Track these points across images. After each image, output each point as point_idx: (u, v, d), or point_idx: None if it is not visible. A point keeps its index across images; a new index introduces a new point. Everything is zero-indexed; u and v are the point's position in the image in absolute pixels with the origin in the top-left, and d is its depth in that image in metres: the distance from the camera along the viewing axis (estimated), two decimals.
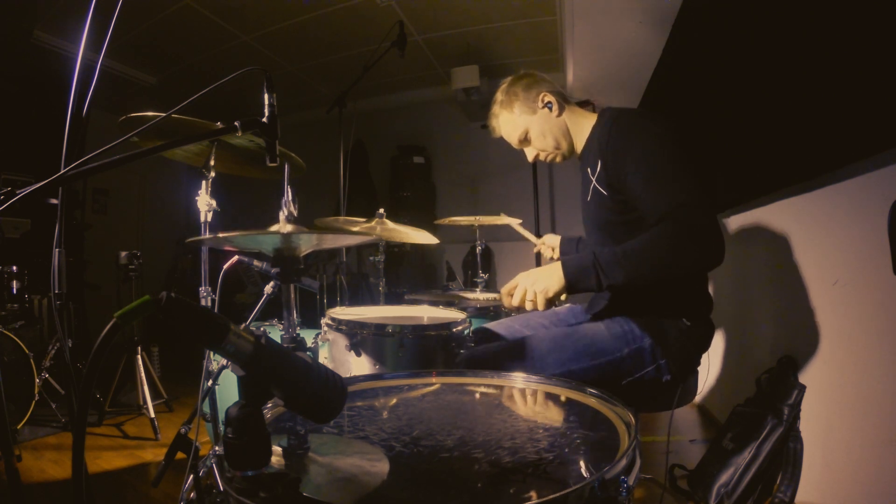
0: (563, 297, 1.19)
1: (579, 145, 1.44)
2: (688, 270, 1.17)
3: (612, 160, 1.24)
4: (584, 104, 3.40)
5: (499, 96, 1.43)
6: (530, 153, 1.45)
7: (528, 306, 1.19)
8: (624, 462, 0.62)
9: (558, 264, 1.19)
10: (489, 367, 1.28)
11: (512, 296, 1.22)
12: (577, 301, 1.64)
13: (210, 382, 1.41)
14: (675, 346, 1.26)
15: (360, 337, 1.38)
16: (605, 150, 1.26)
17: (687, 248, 1.09)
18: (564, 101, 1.40)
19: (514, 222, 2.06)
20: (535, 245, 2.00)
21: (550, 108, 1.38)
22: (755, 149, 1.94)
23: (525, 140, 1.43)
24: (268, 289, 1.33)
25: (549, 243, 1.94)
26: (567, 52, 3.32)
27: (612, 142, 1.24)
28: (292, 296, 0.89)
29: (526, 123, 1.40)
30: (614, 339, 1.27)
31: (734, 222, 2.34)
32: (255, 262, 1.04)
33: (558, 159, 1.45)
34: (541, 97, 1.37)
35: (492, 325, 1.59)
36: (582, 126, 1.41)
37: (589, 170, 1.35)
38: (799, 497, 1.56)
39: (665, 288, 1.27)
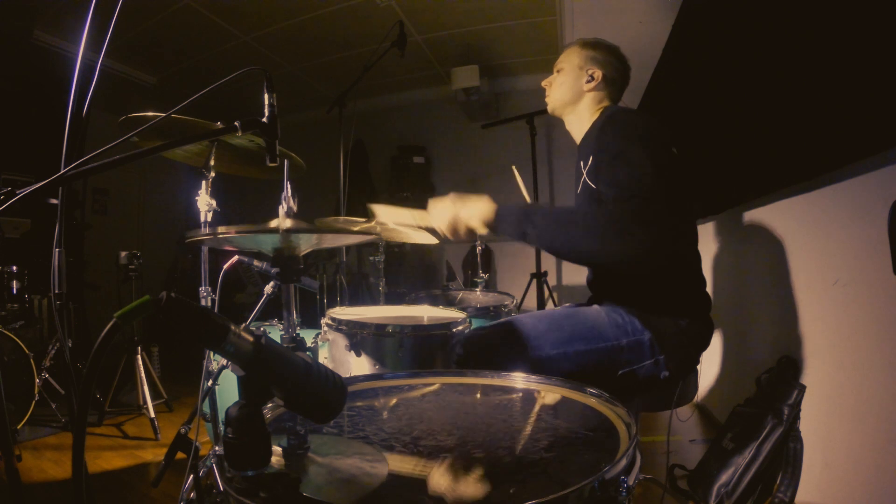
0: (481, 231, 1.20)
1: (577, 133, 1.49)
2: (598, 261, 1.16)
3: (600, 156, 1.26)
4: None
5: (593, 39, 1.49)
6: (547, 80, 1.54)
7: (446, 230, 1.23)
8: (624, 462, 0.62)
9: (490, 202, 1.20)
10: (487, 347, 1.28)
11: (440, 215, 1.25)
12: (577, 298, 1.65)
13: (210, 382, 1.41)
14: (673, 344, 1.26)
15: (360, 337, 1.38)
16: (596, 146, 1.29)
17: (607, 236, 1.07)
18: (605, 91, 1.45)
19: (521, 181, 2.06)
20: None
21: (588, 81, 1.44)
22: (756, 148, 1.94)
23: (557, 70, 1.51)
24: (268, 289, 1.33)
25: None
26: None
27: (602, 139, 1.27)
28: (292, 296, 0.89)
29: (569, 67, 1.47)
30: (614, 328, 1.27)
31: (734, 222, 2.34)
32: (255, 262, 1.04)
33: (548, 106, 1.53)
34: (594, 70, 1.44)
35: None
36: (589, 115, 1.45)
37: (582, 163, 1.38)
38: (799, 497, 1.56)
39: (663, 286, 1.28)
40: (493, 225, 1.19)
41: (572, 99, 1.46)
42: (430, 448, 0.74)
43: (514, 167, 2.06)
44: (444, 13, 3.60)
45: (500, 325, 1.36)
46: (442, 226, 1.25)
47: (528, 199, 2.02)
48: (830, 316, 1.56)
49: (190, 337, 0.53)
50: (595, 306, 1.38)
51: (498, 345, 1.27)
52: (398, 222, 1.34)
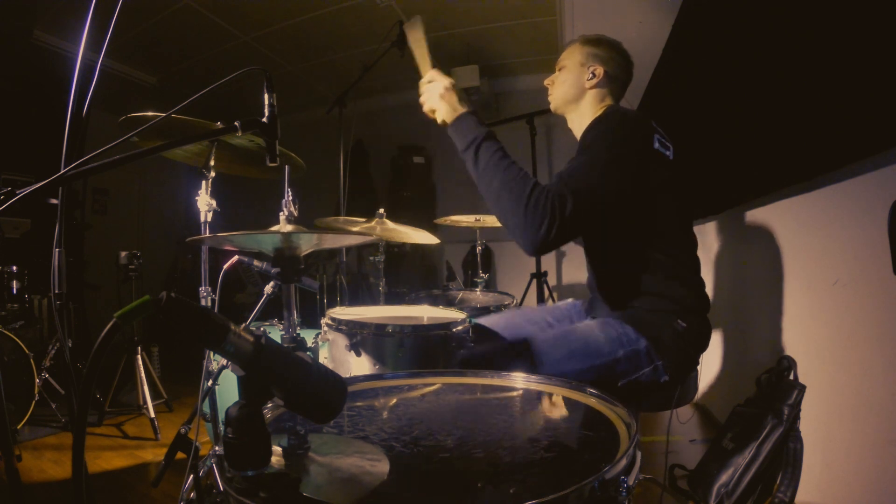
0: (440, 122, 1.26)
1: (578, 132, 1.47)
2: (505, 225, 1.17)
3: None
4: None
5: (594, 36, 1.49)
6: (549, 78, 1.54)
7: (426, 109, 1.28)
8: (624, 462, 0.62)
9: (463, 111, 1.23)
10: (485, 368, 1.28)
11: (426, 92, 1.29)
12: (577, 297, 1.65)
13: (210, 382, 1.41)
14: (672, 347, 1.26)
15: (360, 337, 1.38)
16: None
17: (525, 212, 1.10)
18: (607, 88, 1.45)
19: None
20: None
21: (590, 78, 1.43)
22: (756, 148, 1.94)
23: (559, 68, 1.51)
24: (268, 289, 1.33)
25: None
26: None
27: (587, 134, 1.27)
28: (292, 296, 0.89)
29: (571, 64, 1.47)
30: (609, 342, 1.26)
31: (734, 222, 2.34)
32: (255, 262, 1.05)
33: (551, 103, 1.53)
34: (595, 67, 1.43)
35: (493, 318, 1.58)
36: (591, 114, 1.44)
37: None
38: (799, 497, 1.56)
39: (661, 289, 1.28)
40: (449, 129, 1.23)
41: (574, 97, 1.46)
42: (430, 448, 0.74)
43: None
44: (444, 13, 3.60)
45: (497, 348, 1.36)
46: (423, 96, 1.28)
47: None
48: (830, 316, 1.56)
49: (190, 337, 0.53)
50: (587, 321, 1.38)
51: (496, 368, 1.27)
52: (415, 53, 1.38)
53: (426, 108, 1.28)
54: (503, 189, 1.13)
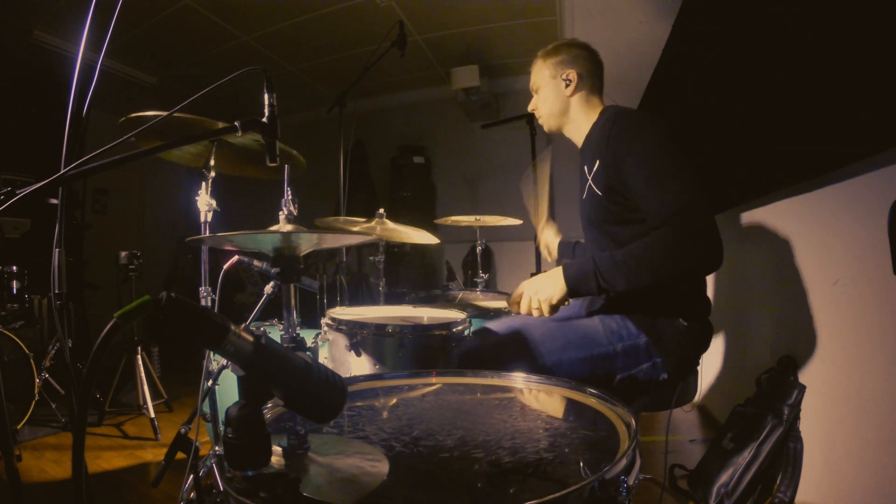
0: (566, 302, 1.24)
1: (577, 138, 1.48)
2: (686, 275, 1.20)
3: (613, 161, 1.25)
4: None
5: (550, 46, 1.49)
6: (531, 103, 1.53)
7: (535, 314, 1.24)
8: (624, 462, 0.62)
9: (559, 271, 1.22)
10: (484, 360, 1.29)
11: (519, 304, 1.27)
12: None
13: (210, 382, 1.41)
14: (672, 346, 1.26)
15: (360, 337, 1.38)
16: (604, 150, 1.28)
17: (686, 253, 1.11)
18: (587, 87, 1.44)
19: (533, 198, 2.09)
20: (537, 224, 2.00)
21: (566, 85, 1.42)
22: (755, 148, 1.94)
23: (535, 91, 1.51)
24: (268, 289, 1.33)
25: (547, 241, 1.94)
26: None
27: (612, 142, 1.26)
28: (292, 296, 0.89)
29: (543, 82, 1.47)
30: (608, 334, 1.27)
31: (734, 222, 2.34)
32: (255, 262, 1.05)
33: (544, 126, 1.52)
34: (567, 72, 1.42)
35: (491, 325, 1.58)
36: (585, 117, 1.44)
37: (586, 168, 1.37)
38: (799, 497, 1.56)
39: (662, 289, 1.28)
40: (573, 294, 1.22)
41: (561, 109, 1.45)
42: (430, 448, 0.74)
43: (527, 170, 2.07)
44: (444, 13, 3.60)
45: (495, 339, 1.36)
46: (527, 295, 1.26)
47: (540, 206, 2.02)
48: (830, 316, 1.56)
49: (190, 337, 0.53)
50: (594, 317, 1.38)
51: (495, 359, 1.28)
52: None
53: (534, 306, 1.24)
54: (652, 268, 1.13)
